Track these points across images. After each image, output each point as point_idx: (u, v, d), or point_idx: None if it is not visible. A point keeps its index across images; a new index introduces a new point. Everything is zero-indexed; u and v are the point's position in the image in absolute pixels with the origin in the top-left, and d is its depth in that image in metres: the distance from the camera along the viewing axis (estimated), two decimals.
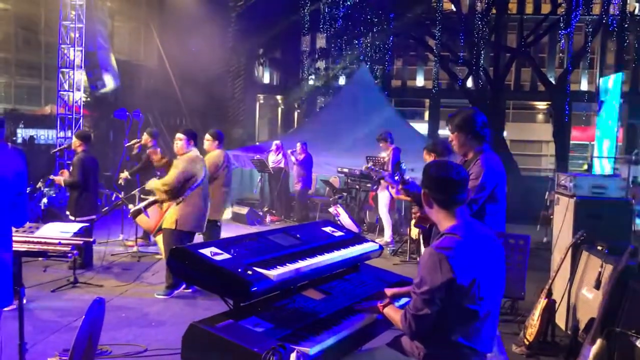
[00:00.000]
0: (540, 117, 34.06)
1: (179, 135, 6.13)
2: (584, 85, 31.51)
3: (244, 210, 11.11)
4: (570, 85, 21.83)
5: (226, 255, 2.73)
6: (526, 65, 28.85)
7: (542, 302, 4.85)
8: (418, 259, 8.34)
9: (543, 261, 6.83)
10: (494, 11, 21.13)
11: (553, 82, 21.58)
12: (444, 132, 32.10)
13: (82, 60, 12.75)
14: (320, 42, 28.31)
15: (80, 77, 12.91)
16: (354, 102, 15.36)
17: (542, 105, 33.10)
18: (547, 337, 4.92)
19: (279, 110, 35.33)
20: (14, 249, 3.07)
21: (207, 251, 2.71)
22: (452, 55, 22.48)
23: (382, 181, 8.93)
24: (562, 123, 19.66)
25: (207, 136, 6.97)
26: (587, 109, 30.39)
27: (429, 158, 6.03)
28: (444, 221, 2.64)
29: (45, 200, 9.26)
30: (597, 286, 4.53)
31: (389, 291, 3.10)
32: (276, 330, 2.55)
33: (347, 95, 16.26)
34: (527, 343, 4.82)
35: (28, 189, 3.09)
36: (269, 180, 12.53)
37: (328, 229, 3.72)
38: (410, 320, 2.54)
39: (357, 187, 11.40)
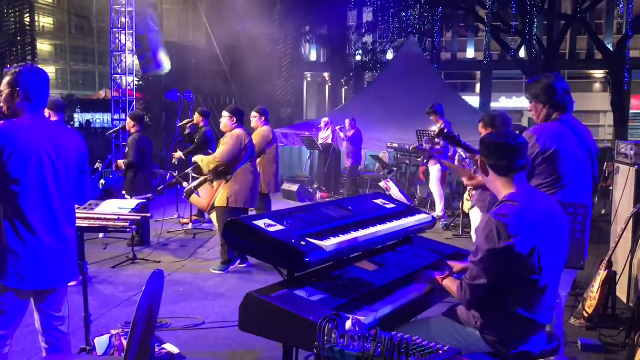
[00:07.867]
0: (597, 86, 32.83)
1: (224, 113, 6.31)
2: None
3: (295, 187, 11.19)
4: (629, 51, 20.86)
5: (280, 227, 2.75)
6: (582, 33, 27.77)
7: (602, 274, 4.72)
8: (471, 232, 8.23)
9: (602, 234, 6.63)
10: None
11: (611, 49, 20.70)
12: (496, 104, 31.47)
13: (133, 44, 12.98)
14: (367, 16, 27.93)
15: (132, 60, 13.16)
16: (402, 76, 15.09)
17: (599, 73, 31.87)
18: (608, 310, 4.79)
19: (327, 87, 35.21)
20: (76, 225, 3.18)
21: (261, 223, 2.74)
22: (503, 25, 21.84)
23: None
24: (621, 92, 18.90)
25: (254, 113, 7.13)
26: None
27: (484, 132, 5.72)
28: (502, 189, 2.58)
29: (103, 181, 9.57)
30: None
31: (453, 265, 3.04)
32: (331, 300, 2.57)
33: (396, 69, 15.98)
34: (586, 315, 4.71)
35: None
36: (318, 157, 12.57)
37: (379, 201, 3.69)
38: (466, 289, 2.50)
39: (408, 162, 11.28)
